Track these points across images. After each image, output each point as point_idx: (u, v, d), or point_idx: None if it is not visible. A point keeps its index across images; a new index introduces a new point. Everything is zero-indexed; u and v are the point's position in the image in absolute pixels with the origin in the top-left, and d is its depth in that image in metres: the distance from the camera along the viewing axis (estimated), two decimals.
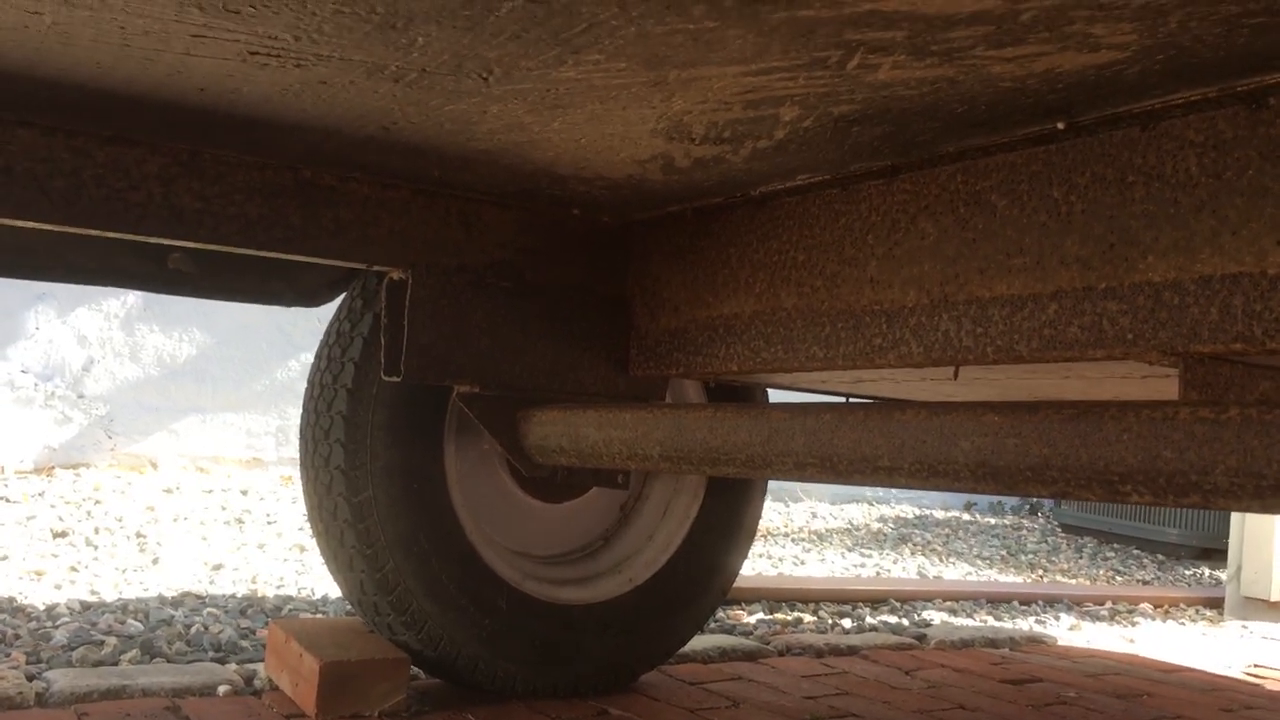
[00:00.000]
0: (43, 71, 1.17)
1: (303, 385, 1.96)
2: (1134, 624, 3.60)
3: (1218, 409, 0.95)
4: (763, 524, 5.03)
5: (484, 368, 1.68)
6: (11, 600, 2.35)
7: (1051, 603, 3.76)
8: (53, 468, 4.63)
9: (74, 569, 2.81)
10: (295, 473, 5.02)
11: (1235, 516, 4.11)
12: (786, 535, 5.11)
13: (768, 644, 2.53)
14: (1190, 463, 0.96)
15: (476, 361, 1.67)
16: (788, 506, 6.20)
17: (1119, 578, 4.94)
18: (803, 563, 4.26)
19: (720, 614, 2.86)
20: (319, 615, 2.48)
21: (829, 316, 1.45)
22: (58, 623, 2.19)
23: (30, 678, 1.74)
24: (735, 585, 2.32)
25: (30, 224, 1.33)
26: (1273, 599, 3.88)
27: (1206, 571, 5.48)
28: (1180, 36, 0.95)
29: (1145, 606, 3.94)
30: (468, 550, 1.84)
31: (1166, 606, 4.02)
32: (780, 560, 4.26)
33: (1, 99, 1.26)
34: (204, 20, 1.01)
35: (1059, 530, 6.57)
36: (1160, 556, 5.85)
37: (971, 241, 1.28)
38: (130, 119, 1.32)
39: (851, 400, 2.19)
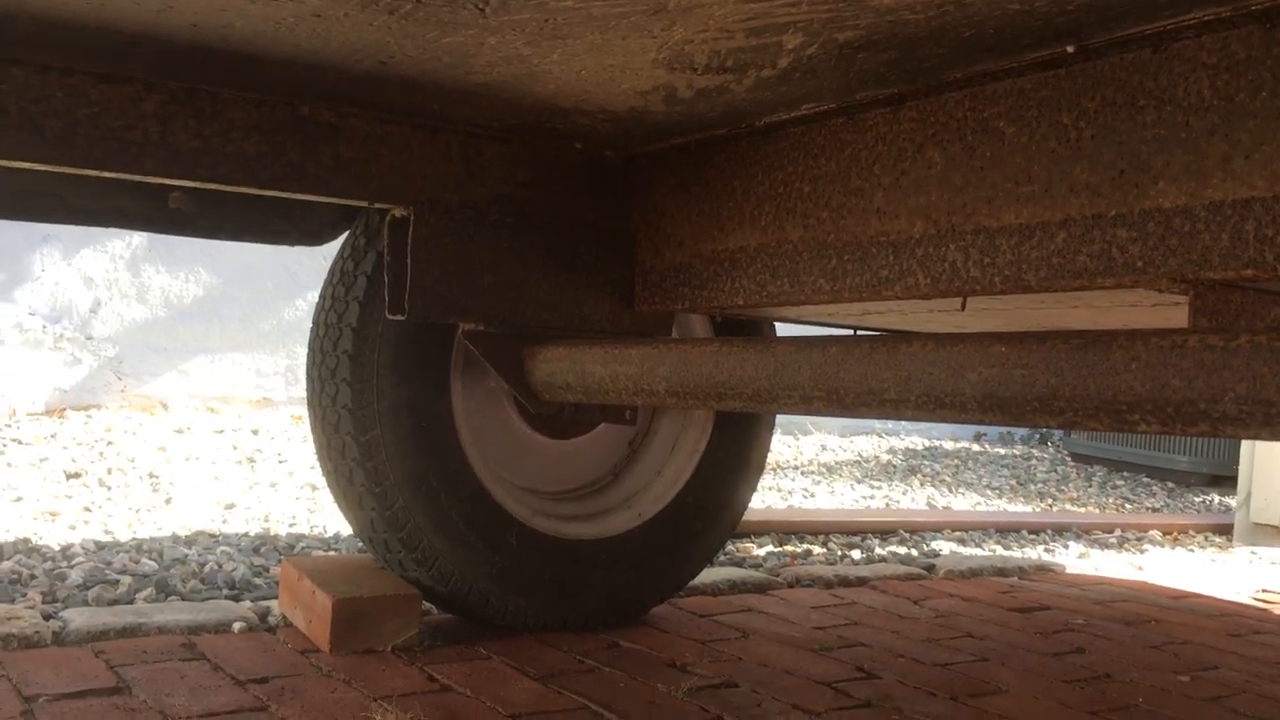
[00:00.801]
0: (35, 8, 1.15)
1: (309, 324, 1.96)
2: (1143, 551, 3.62)
3: (1227, 336, 0.94)
4: (772, 457, 5.05)
5: (488, 305, 1.67)
6: (26, 541, 2.38)
7: (1060, 531, 3.77)
8: (64, 409, 4.65)
9: (87, 509, 2.84)
10: (304, 412, 5.03)
11: (1245, 444, 4.11)
12: (796, 468, 5.13)
13: (777, 576, 2.55)
14: (1199, 391, 0.95)
15: (481, 299, 1.66)
16: (797, 439, 6.22)
17: (1128, 506, 4.96)
18: (812, 495, 4.28)
19: (730, 547, 2.88)
20: (331, 553, 2.50)
21: (835, 248, 1.44)
22: (73, 562, 2.21)
23: (47, 617, 1.76)
24: (744, 518, 2.33)
25: (26, 164, 1.32)
26: None
27: (1216, 498, 5.50)
28: None
29: (1154, 534, 3.96)
30: (476, 487, 1.84)
31: (1175, 534, 4.04)
32: (790, 493, 4.28)
33: None
34: None
35: (1069, 459, 6.59)
36: (1170, 484, 5.86)
37: (979, 170, 1.26)
38: (124, 57, 1.30)
39: (859, 333, 2.18)
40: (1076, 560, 3.29)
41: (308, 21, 1.16)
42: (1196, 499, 5.41)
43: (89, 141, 1.34)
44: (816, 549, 3.02)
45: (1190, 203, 1.07)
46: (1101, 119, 1.14)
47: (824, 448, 6.00)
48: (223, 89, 1.42)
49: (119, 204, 1.67)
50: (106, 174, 1.37)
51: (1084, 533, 3.81)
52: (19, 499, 2.90)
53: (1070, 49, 1.15)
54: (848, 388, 1.25)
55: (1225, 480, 5.65)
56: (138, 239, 4.88)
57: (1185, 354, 0.96)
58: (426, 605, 1.88)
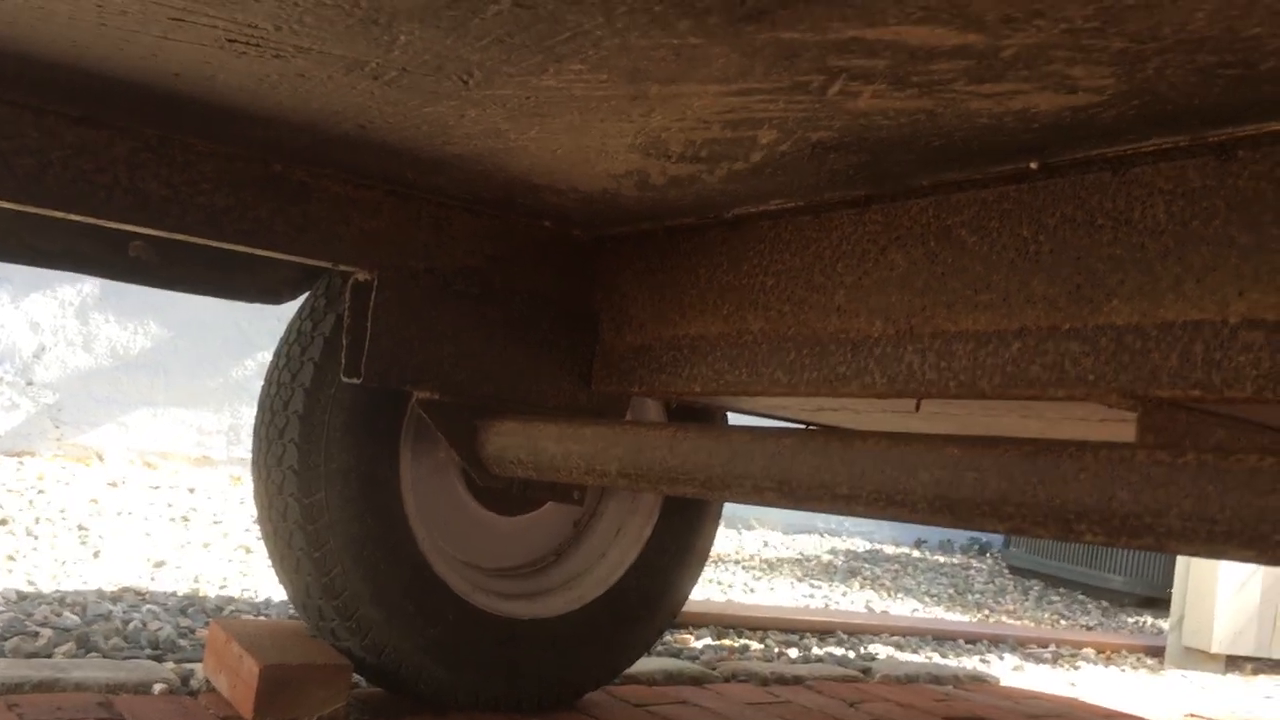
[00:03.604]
0: (15, 47, 1.15)
1: (257, 385, 1.94)
2: (1076, 668, 3.62)
3: (1174, 452, 0.96)
4: (714, 550, 5.02)
5: (445, 374, 1.67)
6: None
7: (996, 643, 3.78)
8: None
9: (11, 558, 2.75)
10: (245, 473, 4.95)
11: (1180, 568, 4.16)
12: (738, 562, 5.10)
13: (714, 669, 2.52)
14: (1145, 505, 0.96)
15: (438, 367, 1.66)
16: (740, 534, 6.20)
17: (1063, 622, 4.98)
18: (752, 590, 4.25)
19: (668, 637, 2.85)
20: (262, 617, 2.44)
21: (794, 342, 1.45)
22: None
23: None
24: (684, 610, 2.31)
25: None
26: (1213, 650, 3.93)
27: (1149, 620, 5.54)
28: (1156, 83, 0.96)
29: (1088, 651, 3.97)
30: (418, 558, 1.81)
31: (1109, 652, 4.05)
32: (730, 587, 4.25)
33: None
34: (184, 4, 1.00)
35: (1006, 571, 6.61)
36: (1105, 603, 5.90)
37: (940, 275, 1.28)
38: (101, 100, 1.30)
39: (811, 428, 2.19)
40: (1011, 672, 3.29)
41: (291, 80, 1.17)
42: (1130, 619, 5.45)
43: (59, 182, 1.33)
44: (754, 644, 2.99)
45: (1142, 321, 1.10)
46: (1060, 234, 1.17)
47: (766, 544, 5.99)
48: (196, 140, 1.43)
49: (79, 248, 1.65)
50: (73, 216, 1.36)
51: (1019, 645, 3.82)
52: None
53: (1034, 165, 1.19)
54: (800, 480, 1.25)
55: (1158, 602, 5.70)
56: (89, 286, 4.82)
57: (1133, 468, 0.98)
58: (356, 677, 1.83)
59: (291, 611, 2.47)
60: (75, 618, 2.17)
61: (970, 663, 3.34)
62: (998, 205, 1.24)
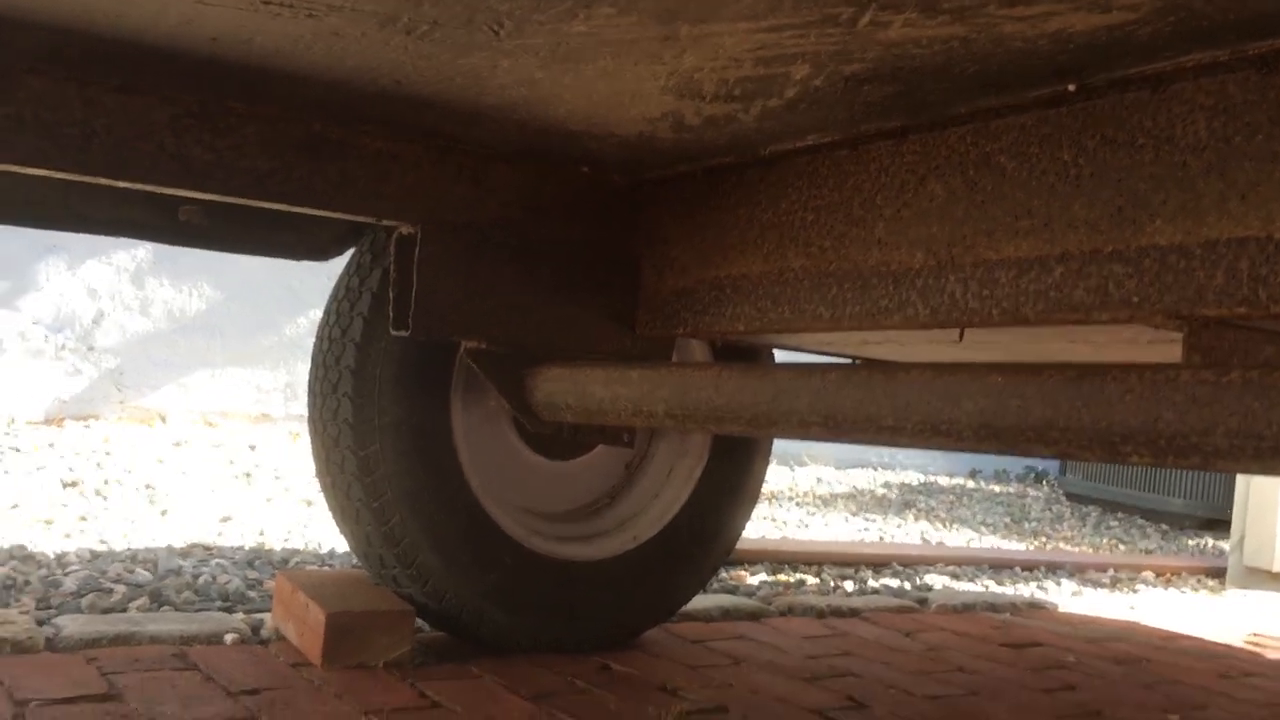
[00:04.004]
0: (54, 18, 1.17)
1: (310, 342, 1.98)
2: (1135, 592, 3.62)
3: (1219, 371, 0.95)
4: (767, 487, 5.05)
5: (492, 324, 1.69)
6: (22, 548, 2.38)
7: (1053, 570, 3.78)
8: (63, 419, 4.66)
9: (83, 518, 2.84)
10: (303, 429, 5.04)
11: (1240, 487, 4.12)
12: (791, 499, 5.13)
13: (770, 604, 2.55)
14: (1191, 424, 0.96)
15: (484, 318, 1.68)
16: (793, 470, 6.22)
17: (1122, 546, 4.96)
18: (807, 526, 4.28)
19: (723, 574, 2.88)
20: (325, 568, 2.50)
21: (836, 277, 1.45)
22: (67, 570, 2.22)
23: (40, 623, 1.76)
24: (739, 546, 2.34)
25: (41, 171, 1.34)
26: (1275, 569, 3.90)
27: (1210, 542, 5.50)
28: None
29: (1147, 575, 3.96)
30: (473, 505, 1.85)
31: (1169, 575, 4.04)
32: (784, 523, 4.28)
33: (12, 46, 1.27)
34: None
35: (1063, 498, 6.59)
36: (1164, 526, 5.86)
37: (980, 204, 1.28)
38: (141, 68, 1.32)
39: (856, 362, 2.19)
40: (1069, 599, 3.30)
41: (325, 39, 1.18)
42: (1190, 542, 5.42)
43: (104, 150, 1.36)
44: (810, 579, 3.02)
45: (1186, 241, 1.09)
46: (1101, 157, 1.16)
47: (819, 480, 6.01)
48: (237, 103, 1.44)
49: (130, 214, 1.69)
50: (120, 183, 1.39)
51: (1077, 572, 3.81)
52: (15, 506, 2.91)
53: (1072, 87, 1.17)
54: (845, 414, 1.26)
55: (1219, 524, 5.65)
56: (143, 251, 4.90)
57: (1178, 388, 0.98)
58: (419, 622, 1.88)
59: (354, 561, 2.53)
60: (147, 574, 2.24)
61: (1027, 590, 3.35)
62: (1036, 130, 1.22)
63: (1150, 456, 0.99)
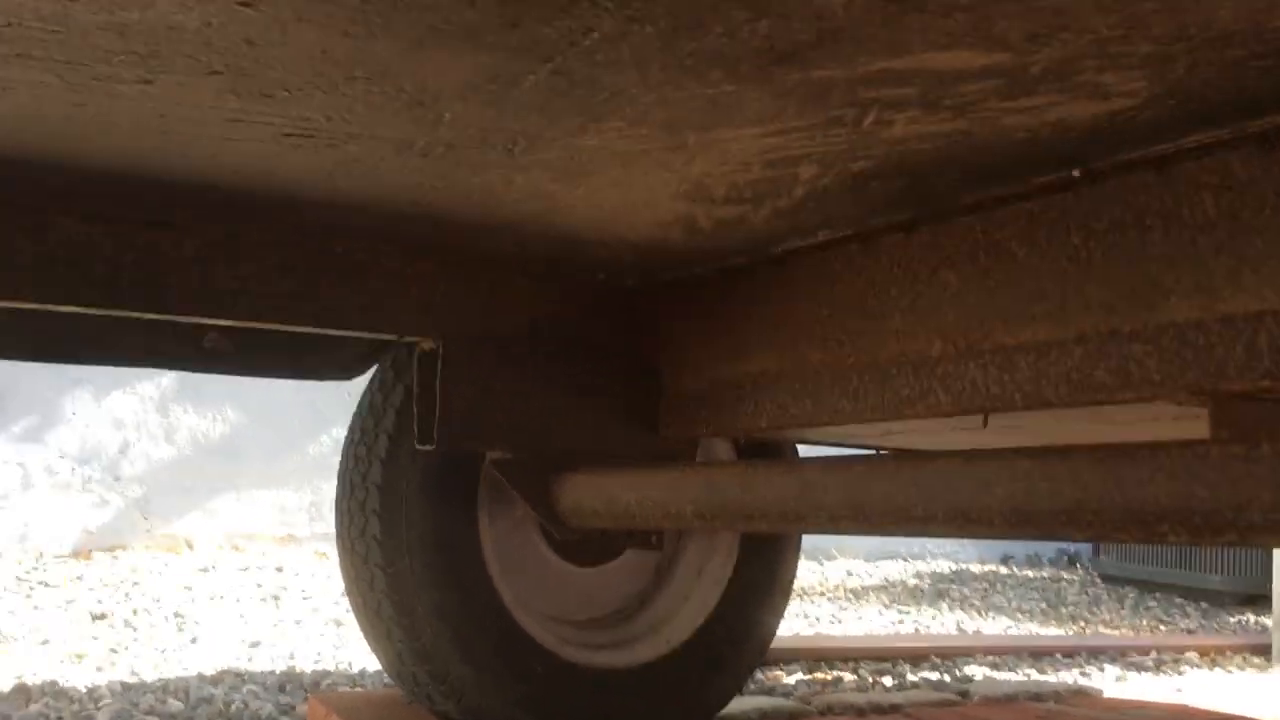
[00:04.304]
0: (83, 161, 1.21)
1: (334, 460, 1.99)
2: (1181, 673, 3.53)
3: (1249, 445, 0.95)
4: (798, 583, 4.98)
5: (516, 433, 1.70)
6: (54, 684, 2.37)
7: (1095, 655, 3.70)
8: (90, 551, 4.66)
9: (114, 650, 2.83)
10: (329, 548, 5.03)
11: (1278, 562, 4.05)
12: (822, 594, 5.06)
13: (809, 704, 2.51)
14: (1224, 500, 0.96)
15: (508, 427, 1.69)
16: (822, 565, 6.15)
17: (1163, 627, 4.86)
18: (840, 621, 4.21)
19: (759, 675, 2.83)
20: (357, 688, 2.47)
21: (855, 370, 1.46)
22: (100, 704, 2.20)
23: None
24: (773, 645, 2.31)
25: (73, 309, 1.37)
26: None
27: (1252, 618, 5.38)
28: (1189, 81, 0.97)
29: (1191, 655, 3.87)
30: (504, 616, 1.84)
31: (1213, 654, 3.95)
32: (817, 619, 4.22)
33: (44, 186, 1.31)
34: (240, 105, 1.05)
35: (1099, 581, 6.48)
36: (1204, 604, 5.75)
37: (993, 290, 1.29)
38: (167, 203, 1.36)
39: (881, 453, 2.19)
40: (1114, 684, 3.22)
41: (345, 166, 1.22)
42: (1232, 619, 5.30)
43: (133, 285, 1.39)
44: (847, 675, 2.97)
45: (1203, 317, 1.09)
46: (1110, 238, 1.17)
47: (850, 573, 5.93)
48: (260, 231, 1.48)
49: (157, 345, 1.71)
50: (149, 316, 1.42)
51: (1119, 655, 3.73)
52: (46, 641, 2.90)
53: (1076, 173, 1.19)
54: (874, 506, 1.26)
55: (1260, 599, 5.54)
56: (167, 380, 4.96)
57: (1209, 464, 0.97)
58: None
59: (386, 680, 2.51)
60: (179, 703, 2.22)
61: (1070, 677, 3.27)
62: (1044, 215, 1.24)
63: (1186, 535, 0.99)
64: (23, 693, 2.26)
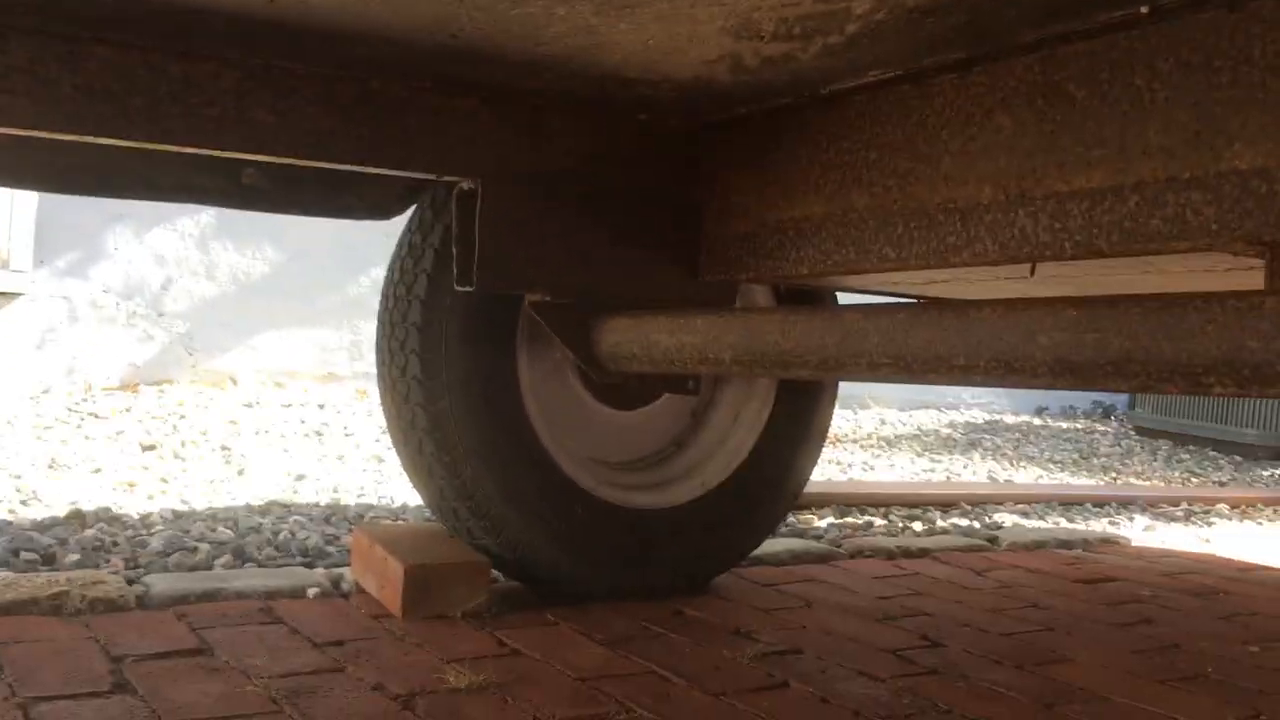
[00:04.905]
0: None
1: (372, 300, 2.00)
2: (1210, 524, 3.57)
3: None
4: (832, 430, 5.04)
5: (555, 275, 1.69)
6: (108, 510, 2.45)
7: (1125, 505, 3.74)
8: (137, 384, 4.77)
9: (164, 480, 2.92)
10: (369, 386, 5.12)
11: None
12: (855, 441, 5.12)
13: (839, 547, 2.56)
14: (1276, 352, 0.94)
15: (547, 269, 1.68)
16: (856, 413, 6.20)
17: (1194, 479, 4.89)
18: (872, 468, 4.27)
19: (792, 519, 2.89)
20: (400, 521, 2.55)
21: (901, 216, 1.43)
22: (152, 530, 2.28)
23: (130, 582, 1.82)
24: (806, 490, 2.34)
25: (110, 141, 1.36)
26: None
27: None
28: None
29: (1221, 507, 3.90)
30: (543, 457, 1.87)
31: (1244, 507, 3.98)
32: (850, 466, 4.27)
33: (79, 15, 1.28)
34: None
35: (1133, 433, 6.50)
36: (1237, 458, 5.76)
37: (1050, 134, 1.25)
38: (204, 34, 1.33)
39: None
40: (1142, 533, 3.26)
41: None
42: (1264, 472, 5.32)
43: (171, 118, 1.37)
44: (878, 521, 3.02)
45: (1267, 164, 1.06)
46: (1175, 80, 1.13)
47: (883, 421, 5.98)
48: (298, 64, 1.45)
49: (195, 180, 1.71)
50: (187, 150, 1.40)
51: (1149, 506, 3.77)
52: (98, 470, 2.99)
53: (1145, 9, 1.13)
54: (915, 354, 1.25)
55: None
56: (206, 217, 4.98)
57: (1263, 315, 0.95)
58: (495, 573, 1.91)
59: (427, 515, 2.58)
60: (229, 532, 2.30)
61: (1099, 526, 3.32)
62: (1107, 55, 1.19)
63: (1234, 387, 0.98)
64: (78, 518, 2.34)
